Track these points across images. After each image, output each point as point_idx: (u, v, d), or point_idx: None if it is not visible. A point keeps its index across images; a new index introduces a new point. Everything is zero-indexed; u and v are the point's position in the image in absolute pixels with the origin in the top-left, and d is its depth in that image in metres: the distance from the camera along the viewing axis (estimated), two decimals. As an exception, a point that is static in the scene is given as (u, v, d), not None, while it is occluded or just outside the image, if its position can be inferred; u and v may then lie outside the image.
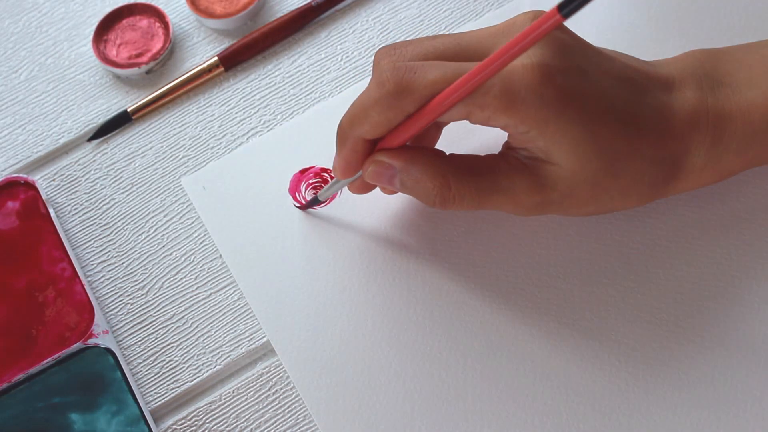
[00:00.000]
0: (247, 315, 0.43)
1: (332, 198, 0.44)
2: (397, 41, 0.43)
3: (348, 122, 0.37)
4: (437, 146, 0.41)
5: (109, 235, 0.46)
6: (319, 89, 0.49)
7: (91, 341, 0.43)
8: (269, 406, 0.41)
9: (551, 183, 0.36)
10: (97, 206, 0.47)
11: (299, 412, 0.41)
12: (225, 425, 0.41)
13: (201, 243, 0.45)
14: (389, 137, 0.37)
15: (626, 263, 0.41)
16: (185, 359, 0.43)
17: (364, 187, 0.41)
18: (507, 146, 0.38)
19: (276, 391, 0.42)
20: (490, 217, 0.43)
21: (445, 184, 0.37)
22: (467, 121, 0.36)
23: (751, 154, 0.38)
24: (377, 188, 0.42)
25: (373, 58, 0.41)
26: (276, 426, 0.41)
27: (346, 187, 0.43)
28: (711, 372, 0.39)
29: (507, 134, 0.37)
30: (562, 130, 0.35)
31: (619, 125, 0.36)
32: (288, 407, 0.41)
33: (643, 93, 0.37)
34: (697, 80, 0.37)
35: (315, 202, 0.44)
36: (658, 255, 0.41)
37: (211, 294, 0.44)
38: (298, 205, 0.45)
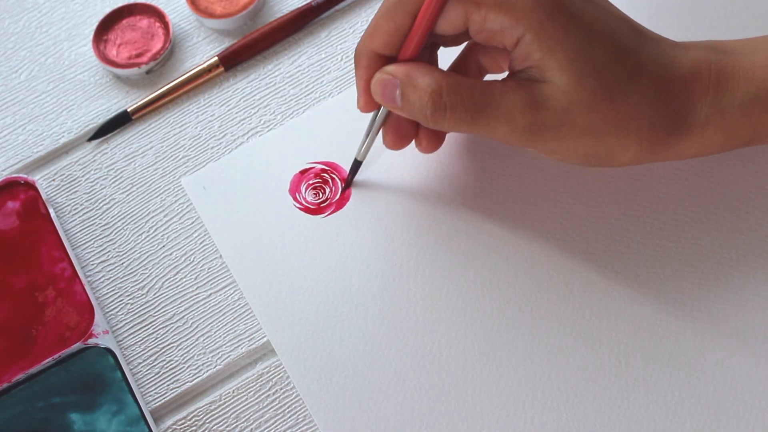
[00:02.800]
0: (247, 315, 0.43)
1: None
2: None
3: (362, 40, 0.39)
4: None
5: (109, 235, 0.46)
6: (319, 89, 0.49)
7: (91, 341, 0.43)
8: (269, 406, 0.41)
9: (546, 101, 0.36)
10: (97, 206, 0.47)
11: (299, 412, 0.41)
12: (225, 425, 0.41)
13: (201, 243, 0.45)
14: (398, 57, 0.39)
15: (626, 263, 0.41)
16: (185, 359, 0.43)
17: (396, 134, 0.41)
18: (508, 74, 0.38)
19: (276, 391, 0.42)
20: (490, 216, 0.43)
21: (437, 91, 0.37)
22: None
23: (756, 117, 0.37)
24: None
25: None
26: (276, 426, 0.41)
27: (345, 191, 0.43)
28: (711, 372, 0.39)
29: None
30: (557, 38, 0.35)
31: (619, 51, 0.36)
32: (288, 407, 0.41)
33: (647, 40, 0.37)
34: (702, 46, 0.38)
35: (356, 165, 0.44)
36: (658, 255, 0.41)
37: (211, 294, 0.44)
38: (299, 206, 0.45)
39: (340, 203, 0.45)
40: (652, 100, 0.36)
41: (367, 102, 0.40)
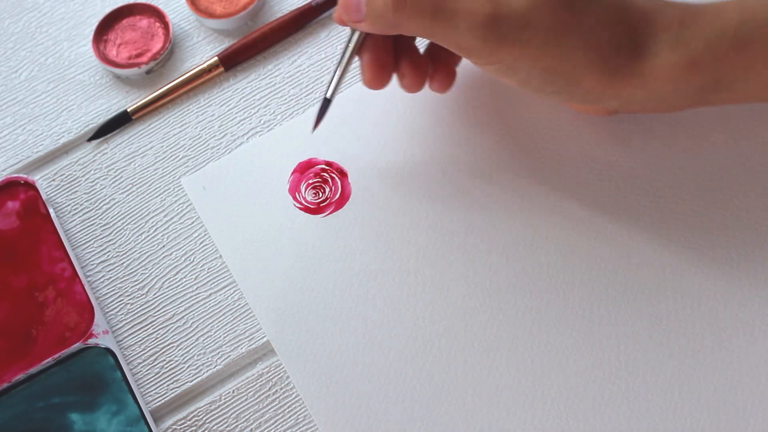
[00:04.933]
0: (247, 315, 0.43)
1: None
2: None
3: None
4: None
5: (109, 235, 0.46)
6: (319, 89, 0.49)
7: (91, 341, 0.43)
8: (269, 406, 0.41)
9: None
10: (97, 206, 0.47)
11: (299, 412, 0.41)
12: (225, 425, 0.41)
13: (201, 243, 0.45)
14: None
15: (626, 264, 0.41)
16: (185, 359, 0.43)
17: (373, 65, 0.41)
18: None
19: (276, 391, 0.42)
20: (490, 216, 0.43)
21: None
22: None
23: (722, 54, 0.36)
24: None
25: None
26: (276, 426, 0.41)
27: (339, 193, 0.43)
28: (711, 372, 0.39)
29: None
30: None
31: None
32: (288, 407, 0.41)
33: None
34: None
35: (326, 104, 0.42)
36: (658, 255, 0.41)
37: (211, 294, 0.44)
38: (299, 205, 0.45)
39: (340, 203, 0.45)
40: (612, 19, 0.37)
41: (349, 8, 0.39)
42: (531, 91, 0.39)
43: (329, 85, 0.42)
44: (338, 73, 0.41)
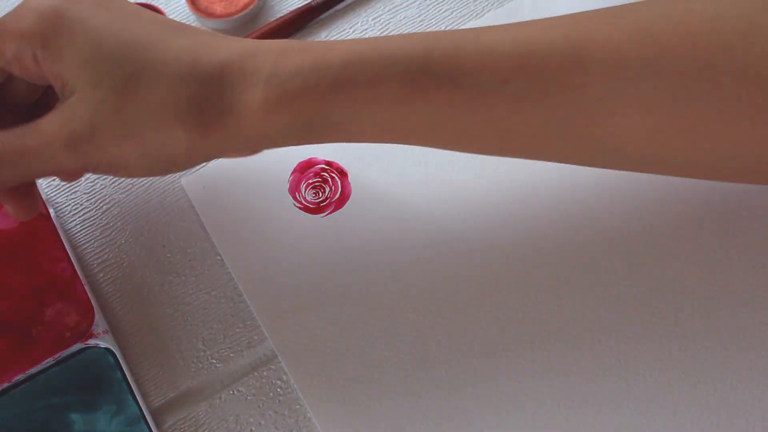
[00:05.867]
0: (247, 315, 0.43)
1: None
2: None
3: None
4: None
5: (109, 235, 0.46)
6: (319, 89, 0.49)
7: (91, 341, 0.43)
8: (269, 406, 0.41)
9: (75, 111, 0.35)
10: (97, 206, 0.47)
11: (299, 412, 0.41)
12: (225, 425, 0.41)
13: (201, 243, 0.45)
14: None
15: (626, 264, 0.41)
16: (185, 359, 0.43)
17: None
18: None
19: (276, 391, 0.42)
20: (490, 216, 0.43)
21: None
22: None
23: (324, 95, 0.35)
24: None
25: None
26: (276, 426, 0.41)
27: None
28: (711, 372, 0.39)
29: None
30: (63, 45, 0.35)
31: (129, 46, 0.35)
32: (288, 407, 0.41)
33: (174, 34, 0.36)
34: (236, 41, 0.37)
35: None
36: (658, 254, 0.41)
37: (211, 294, 0.44)
38: (299, 205, 0.45)
39: (340, 202, 0.45)
40: (182, 83, 0.35)
41: None
42: (145, 175, 0.39)
43: None
44: None
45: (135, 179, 0.47)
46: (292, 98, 0.35)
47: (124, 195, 0.47)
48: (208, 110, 0.35)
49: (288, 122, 0.36)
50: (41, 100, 0.42)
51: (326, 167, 0.46)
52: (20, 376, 0.42)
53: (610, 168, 0.38)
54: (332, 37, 0.50)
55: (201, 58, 0.35)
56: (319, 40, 0.50)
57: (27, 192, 0.40)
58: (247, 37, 0.50)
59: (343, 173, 0.45)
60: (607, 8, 0.35)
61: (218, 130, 0.36)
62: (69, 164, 0.37)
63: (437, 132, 0.36)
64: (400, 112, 0.35)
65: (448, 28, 0.50)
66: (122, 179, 0.47)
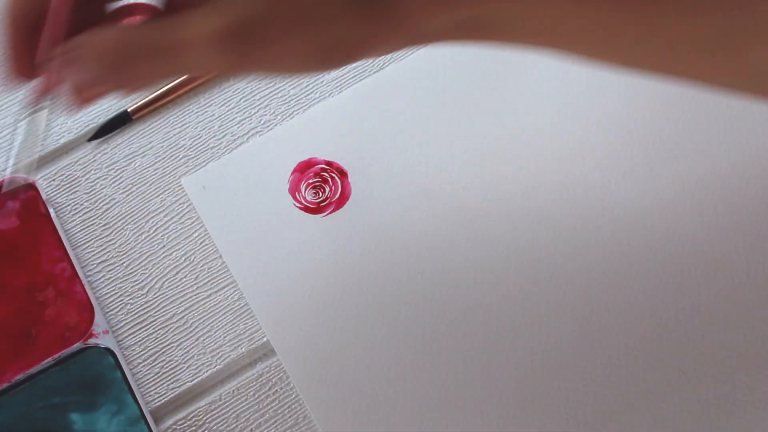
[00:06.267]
0: (247, 315, 0.43)
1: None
2: None
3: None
4: None
5: (109, 235, 0.46)
6: (319, 89, 0.49)
7: (91, 341, 0.43)
8: (269, 406, 0.41)
9: (239, 2, 0.32)
10: (97, 206, 0.47)
11: (299, 412, 0.41)
12: (225, 425, 0.41)
13: (201, 243, 0.45)
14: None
15: (627, 264, 0.41)
16: (185, 359, 0.43)
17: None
18: None
19: (276, 391, 0.42)
20: (490, 216, 0.43)
21: (122, 39, 0.33)
22: None
23: None
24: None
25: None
26: (276, 426, 0.41)
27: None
28: (711, 372, 0.39)
29: None
30: None
31: None
32: (288, 407, 0.41)
33: None
34: None
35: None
36: (658, 254, 0.41)
37: (211, 294, 0.44)
38: (299, 205, 0.45)
39: (340, 202, 0.45)
40: None
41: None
42: (298, 71, 0.36)
43: (19, 164, 0.38)
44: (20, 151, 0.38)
45: (136, 180, 0.47)
46: None
47: (124, 195, 0.47)
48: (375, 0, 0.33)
49: (449, 17, 0.34)
50: None
51: (326, 167, 0.46)
52: (20, 376, 0.42)
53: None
54: (332, 37, 0.50)
55: None
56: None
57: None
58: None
59: (343, 173, 0.45)
60: None
61: (381, 21, 0.34)
62: (222, 61, 0.33)
63: (601, 37, 0.34)
64: (571, 12, 0.33)
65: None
66: (122, 179, 0.47)
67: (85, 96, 0.35)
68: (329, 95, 0.48)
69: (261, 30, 0.32)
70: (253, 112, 0.49)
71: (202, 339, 0.43)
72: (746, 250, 0.41)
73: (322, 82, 0.49)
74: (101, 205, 0.47)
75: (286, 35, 0.33)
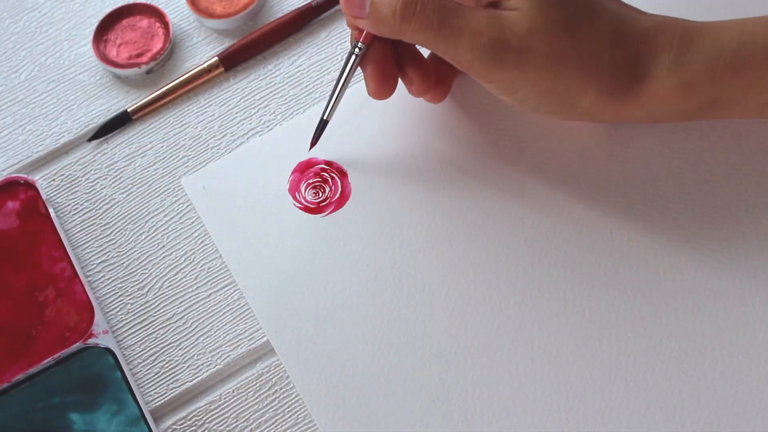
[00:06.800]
0: (247, 315, 0.43)
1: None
2: None
3: None
4: None
5: (109, 235, 0.46)
6: (319, 89, 0.49)
7: (91, 341, 0.43)
8: (269, 406, 0.41)
9: (510, 23, 0.37)
10: (97, 206, 0.47)
11: (299, 412, 0.41)
12: (225, 425, 0.41)
13: (201, 243, 0.45)
14: None
15: (627, 263, 0.41)
16: (185, 359, 0.43)
17: (377, 74, 0.41)
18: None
19: (276, 391, 0.42)
20: (490, 216, 0.43)
21: None
22: None
23: (719, 77, 0.37)
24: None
25: None
26: (276, 426, 0.41)
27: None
28: (711, 372, 0.39)
29: None
30: None
31: None
32: (288, 407, 0.41)
33: None
34: (668, 17, 0.39)
35: (322, 125, 0.44)
36: (658, 254, 0.41)
37: (211, 294, 0.44)
38: (299, 205, 0.45)
39: (340, 202, 0.45)
40: (612, 43, 0.37)
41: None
42: (528, 109, 0.40)
43: (327, 107, 0.43)
44: (336, 95, 0.42)
45: (136, 180, 0.47)
46: (691, 83, 0.37)
47: (124, 195, 0.47)
48: (622, 76, 0.37)
49: (684, 105, 0.38)
50: None
51: (326, 167, 0.46)
52: (20, 376, 0.42)
53: None
54: (332, 36, 0.50)
55: (628, 25, 0.38)
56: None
57: (393, 73, 0.42)
58: (246, 37, 0.50)
59: (343, 173, 0.45)
60: None
61: (621, 98, 0.38)
62: (468, 60, 0.38)
63: None
64: None
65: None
66: (122, 179, 0.47)
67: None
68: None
69: (516, 54, 0.37)
70: (253, 112, 0.49)
71: (201, 339, 0.43)
72: (746, 250, 0.41)
73: (322, 82, 0.49)
74: (101, 205, 0.47)
75: (532, 69, 0.38)
